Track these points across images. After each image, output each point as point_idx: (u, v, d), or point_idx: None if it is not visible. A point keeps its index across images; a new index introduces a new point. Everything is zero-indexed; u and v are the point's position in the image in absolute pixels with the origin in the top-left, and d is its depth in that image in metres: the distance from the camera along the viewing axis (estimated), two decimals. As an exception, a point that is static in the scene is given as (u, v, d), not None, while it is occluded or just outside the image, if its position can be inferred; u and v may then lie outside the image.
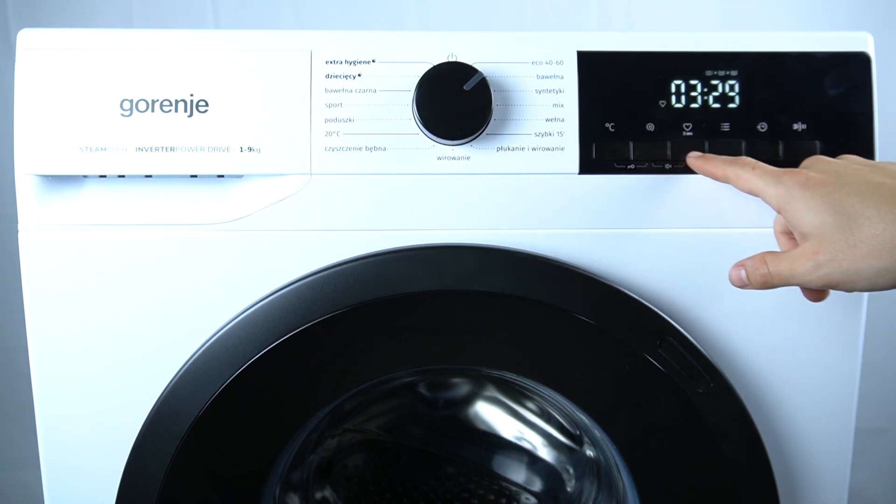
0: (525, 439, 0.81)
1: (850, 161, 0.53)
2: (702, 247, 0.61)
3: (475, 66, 0.57)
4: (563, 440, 0.79)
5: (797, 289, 0.60)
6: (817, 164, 0.53)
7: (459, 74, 0.57)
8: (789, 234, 0.56)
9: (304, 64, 0.58)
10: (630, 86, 0.60)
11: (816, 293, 0.55)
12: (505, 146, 0.59)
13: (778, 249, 0.56)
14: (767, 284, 0.51)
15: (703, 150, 0.59)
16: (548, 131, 0.59)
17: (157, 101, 0.58)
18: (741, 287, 0.53)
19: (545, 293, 0.59)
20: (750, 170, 0.53)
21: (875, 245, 0.46)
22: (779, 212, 0.52)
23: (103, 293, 0.59)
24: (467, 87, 0.57)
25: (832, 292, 0.55)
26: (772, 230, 0.59)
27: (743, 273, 0.52)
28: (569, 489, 0.79)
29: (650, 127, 0.59)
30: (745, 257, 0.53)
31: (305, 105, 0.58)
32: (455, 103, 0.57)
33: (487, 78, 0.57)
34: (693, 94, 0.60)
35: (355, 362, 0.61)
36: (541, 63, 0.59)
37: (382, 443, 0.82)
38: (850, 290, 0.49)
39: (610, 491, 0.72)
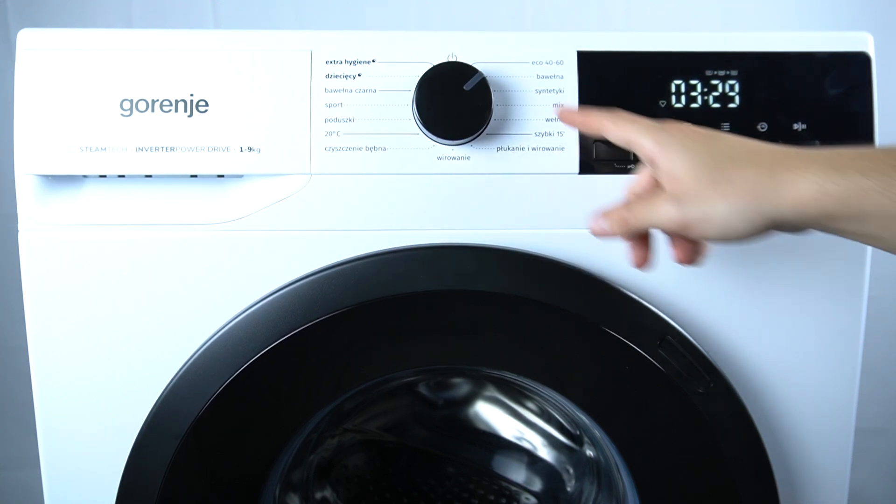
0: (525, 439, 0.81)
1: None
2: (702, 247, 0.60)
3: (475, 66, 0.57)
4: (563, 440, 0.79)
5: (797, 288, 0.60)
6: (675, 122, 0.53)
7: (459, 74, 0.57)
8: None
9: (304, 64, 0.58)
10: (630, 86, 0.60)
11: (686, 251, 0.52)
12: (505, 146, 0.59)
13: None
14: (626, 225, 0.51)
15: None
16: (548, 131, 0.59)
17: (157, 101, 0.58)
18: (601, 234, 0.52)
19: (545, 293, 0.59)
20: (627, 119, 0.52)
21: (738, 184, 0.46)
22: (651, 160, 0.50)
23: (103, 293, 0.59)
24: (467, 87, 0.57)
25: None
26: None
27: (603, 220, 0.52)
28: (569, 489, 0.79)
29: (650, 127, 0.59)
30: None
31: (305, 105, 0.58)
32: (455, 103, 0.57)
33: (487, 78, 0.57)
34: (693, 94, 0.60)
35: (355, 362, 0.61)
36: (541, 63, 0.59)
37: (382, 443, 0.82)
38: (704, 234, 0.48)
39: (610, 491, 0.72)
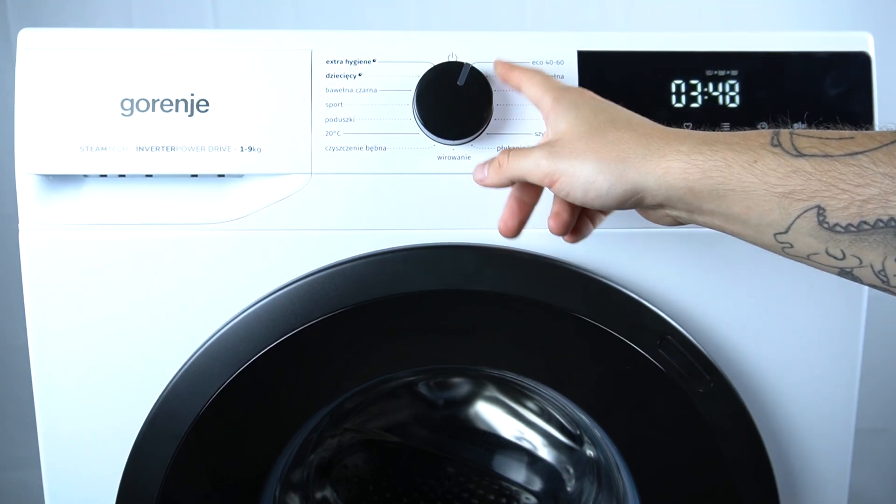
0: (525, 439, 0.81)
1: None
2: (702, 247, 0.61)
3: (475, 66, 0.57)
4: (563, 440, 0.79)
5: (797, 288, 0.60)
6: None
7: (459, 74, 0.57)
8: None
9: (305, 64, 0.58)
10: (630, 86, 0.60)
11: (560, 221, 0.52)
12: (505, 146, 0.59)
13: None
14: (502, 175, 0.52)
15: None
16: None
17: (158, 100, 0.58)
18: (479, 182, 0.54)
19: (545, 293, 0.59)
20: (539, 78, 0.54)
21: (610, 144, 0.47)
22: (546, 115, 0.52)
23: (103, 293, 0.59)
24: (460, 81, 0.57)
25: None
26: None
27: (486, 168, 0.53)
28: (569, 489, 0.79)
29: (650, 127, 0.59)
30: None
31: (306, 105, 0.58)
32: (455, 103, 0.57)
33: (487, 77, 0.57)
34: (693, 93, 0.60)
35: (355, 362, 0.61)
36: (541, 63, 0.59)
37: (382, 443, 0.82)
38: (568, 190, 0.48)
39: (610, 491, 0.72)
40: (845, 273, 0.42)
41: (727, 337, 0.62)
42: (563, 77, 0.59)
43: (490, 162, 0.53)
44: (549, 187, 0.49)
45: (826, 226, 0.40)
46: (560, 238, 0.60)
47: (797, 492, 0.64)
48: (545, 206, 0.60)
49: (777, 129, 0.43)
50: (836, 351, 0.63)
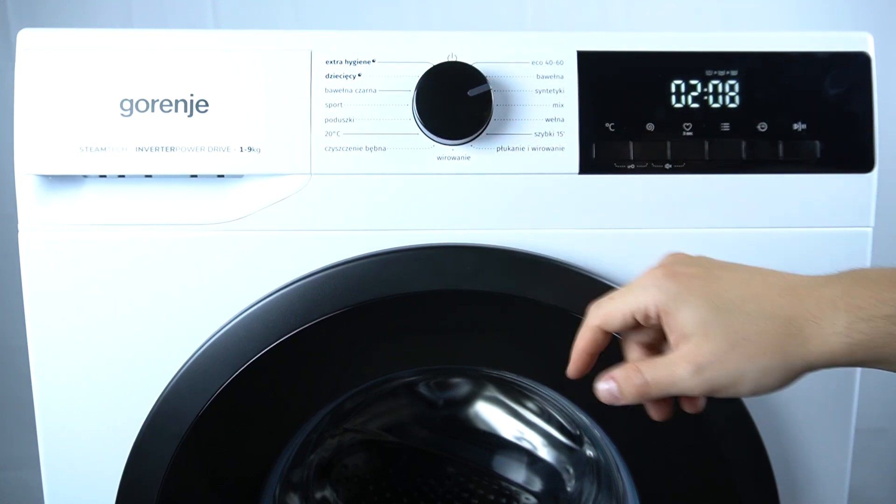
0: (525, 439, 0.81)
1: (702, 257, 0.48)
2: (702, 247, 0.60)
3: (475, 66, 0.57)
4: (563, 440, 0.79)
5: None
6: (678, 261, 0.47)
7: (459, 74, 0.57)
8: (644, 346, 0.49)
9: (304, 64, 0.58)
10: (630, 86, 0.60)
11: (694, 401, 0.48)
12: (505, 146, 0.59)
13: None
14: (644, 396, 0.45)
15: (702, 150, 0.59)
16: (548, 131, 0.59)
17: (157, 101, 0.58)
18: (612, 402, 0.46)
19: (545, 293, 0.59)
20: (611, 303, 0.47)
21: (759, 342, 0.42)
22: (657, 316, 0.45)
23: (103, 293, 0.59)
24: (472, 93, 0.57)
25: None
26: (770, 230, 0.59)
27: (614, 386, 0.46)
28: (569, 489, 0.79)
29: (650, 127, 0.59)
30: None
31: (305, 105, 0.58)
32: (455, 103, 0.57)
33: (487, 78, 0.57)
34: (693, 94, 0.60)
35: (355, 362, 0.61)
36: (541, 63, 0.59)
37: (382, 443, 0.82)
38: (734, 395, 0.44)
39: (610, 491, 0.72)
40: None
41: (727, 337, 0.62)
42: (562, 77, 0.59)
43: (623, 382, 0.46)
44: (710, 396, 0.45)
45: None
46: (560, 238, 0.60)
47: (797, 492, 0.64)
48: (549, 208, 0.60)
49: None
50: (836, 351, 0.63)
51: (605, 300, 0.48)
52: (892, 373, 0.43)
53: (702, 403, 0.48)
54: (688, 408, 0.48)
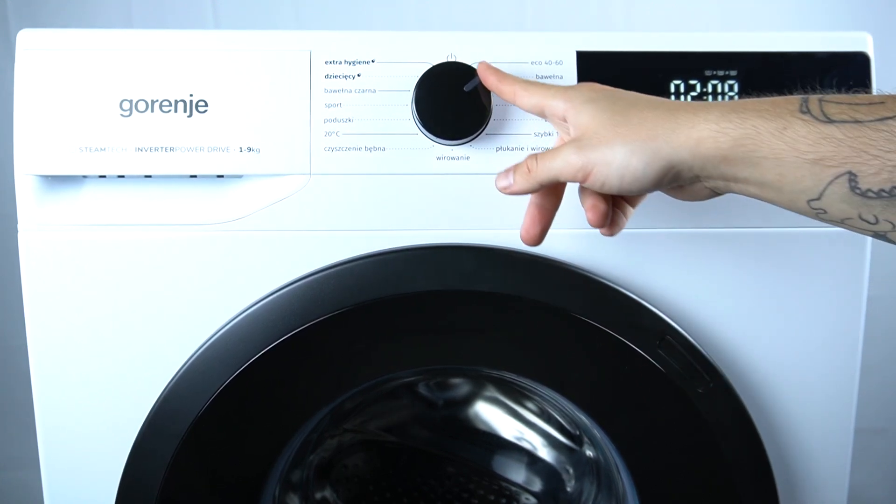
0: (525, 439, 0.81)
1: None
2: (702, 247, 0.61)
3: (475, 66, 0.57)
4: (563, 440, 0.79)
5: (797, 288, 0.60)
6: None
7: (459, 75, 0.57)
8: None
9: (304, 64, 0.58)
10: (630, 86, 0.59)
11: (598, 213, 0.52)
12: (504, 146, 0.59)
13: None
14: (530, 176, 0.51)
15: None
16: (547, 131, 0.59)
17: (157, 101, 0.58)
18: (504, 189, 0.52)
19: (545, 293, 0.59)
20: (538, 85, 0.54)
21: (637, 125, 0.46)
22: (563, 117, 0.51)
23: (103, 293, 0.59)
24: (467, 88, 0.57)
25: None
26: (770, 230, 0.59)
27: (511, 174, 0.52)
28: (569, 489, 0.79)
29: (650, 127, 0.59)
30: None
31: (305, 105, 0.58)
32: (454, 103, 0.57)
33: (487, 78, 0.57)
34: (693, 94, 0.60)
35: (355, 362, 0.61)
36: (541, 63, 0.59)
37: (382, 443, 0.82)
38: (604, 180, 0.48)
39: (610, 491, 0.72)
40: (879, 236, 0.43)
41: (727, 337, 0.62)
42: (562, 78, 0.59)
43: (516, 168, 0.52)
44: (583, 182, 0.49)
45: (858, 192, 0.41)
46: (560, 238, 0.60)
47: (797, 492, 0.64)
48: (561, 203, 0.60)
49: (806, 96, 0.43)
50: (836, 351, 0.63)
51: (526, 82, 0.55)
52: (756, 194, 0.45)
53: (613, 223, 0.53)
54: (591, 216, 0.51)
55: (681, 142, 0.45)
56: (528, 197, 0.54)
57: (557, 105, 0.51)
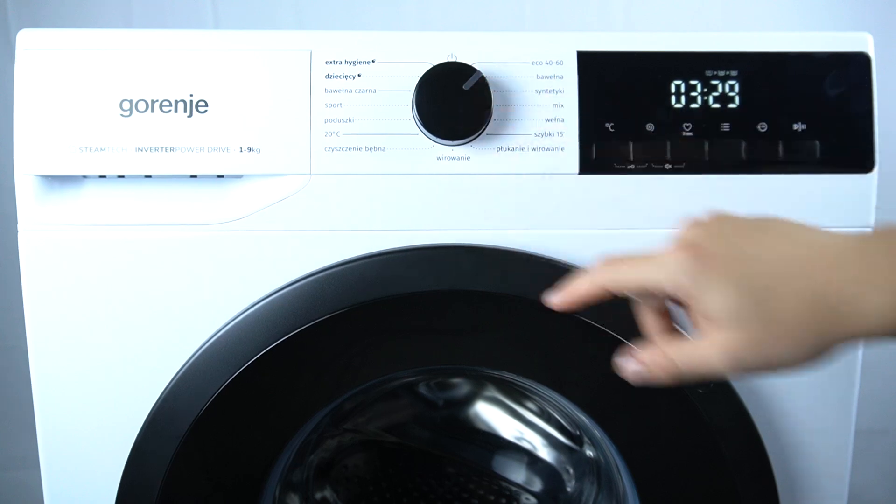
0: (525, 439, 0.81)
1: (733, 223, 0.45)
2: (702, 247, 0.60)
3: (475, 66, 0.57)
4: (563, 440, 0.79)
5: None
6: (704, 235, 0.44)
7: (459, 74, 0.57)
8: (661, 313, 0.48)
9: (304, 64, 0.58)
10: (630, 86, 0.60)
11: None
12: (505, 146, 0.59)
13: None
14: (675, 379, 0.44)
15: (702, 150, 0.59)
16: (548, 131, 0.59)
17: (157, 101, 0.58)
18: (638, 381, 0.46)
19: (545, 293, 0.59)
20: (624, 268, 0.46)
21: (793, 324, 0.40)
22: (680, 300, 0.44)
23: (103, 293, 0.59)
24: (466, 86, 0.57)
25: None
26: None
27: (643, 369, 0.45)
28: (569, 489, 0.79)
29: (650, 127, 0.59)
30: (644, 354, 0.46)
31: (305, 105, 0.58)
32: (455, 103, 0.57)
33: (487, 78, 0.57)
34: (693, 94, 0.60)
35: (355, 362, 0.61)
36: (541, 63, 0.59)
37: (382, 443, 0.82)
38: (769, 374, 0.43)
39: (610, 491, 0.72)
40: None
41: (727, 337, 0.61)
42: (562, 77, 0.59)
43: (653, 366, 0.45)
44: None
45: None
46: (560, 238, 0.60)
47: (797, 492, 0.64)
48: (549, 208, 0.60)
49: None
50: (835, 351, 0.63)
51: (619, 262, 0.46)
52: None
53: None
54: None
55: (854, 331, 0.39)
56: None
57: (669, 289, 0.43)
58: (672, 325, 0.48)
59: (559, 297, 0.49)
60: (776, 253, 0.42)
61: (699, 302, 0.42)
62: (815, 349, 0.41)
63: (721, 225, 0.45)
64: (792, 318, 0.40)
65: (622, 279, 0.46)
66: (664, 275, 0.43)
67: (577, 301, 0.48)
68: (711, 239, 0.43)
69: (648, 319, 0.48)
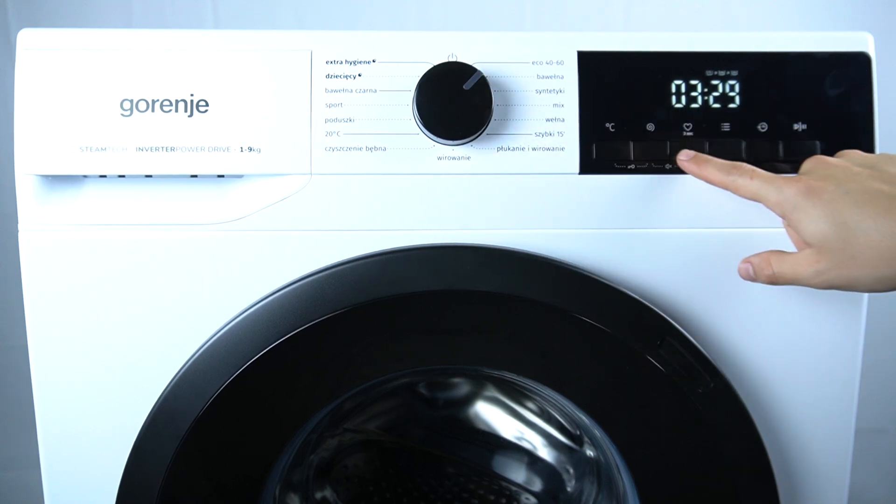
0: (525, 439, 0.81)
1: (851, 161, 0.54)
2: (702, 247, 0.61)
3: (475, 66, 0.57)
4: (563, 440, 0.79)
5: (797, 288, 0.60)
6: (817, 169, 0.54)
7: (459, 74, 0.57)
8: None
9: (305, 64, 0.58)
10: (630, 86, 0.60)
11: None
12: (505, 146, 0.59)
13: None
14: (773, 283, 0.55)
15: (702, 150, 0.59)
16: (548, 131, 0.59)
17: (158, 101, 0.58)
18: (749, 280, 0.57)
19: (545, 293, 0.59)
20: (748, 178, 0.55)
21: (872, 255, 0.48)
22: (782, 218, 0.54)
23: (103, 293, 0.59)
24: (466, 86, 0.57)
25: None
26: (771, 230, 0.59)
27: (750, 269, 0.56)
28: (569, 489, 0.79)
29: (650, 127, 0.59)
30: (749, 255, 0.57)
31: (305, 105, 0.58)
32: (455, 103, 0.57)
33: (487, 78, 0.57)
34: (693, 94, 0.60)
35: (355, 362, 0.61)
36: (541, 63, 0.59)
37: (382, 443, 0.82)
38: (852, 291, 0.52)
39: (610, 491, 0.72)
40: None
41: (727, 337, 0.62)
42: (562, 77, 0.59)
43: (757, 268, 0.56)
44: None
45: None
46: (560, 238, 0.60)
47: (797, 492, 0.64)
48: (549, 208, 0.60)
49: None
50: (836, 351, 0.63)
51: (750, 171, 0.55)
52: None
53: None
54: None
55: None
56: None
57: (773, 207, 0.53)
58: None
59: (693, 161, 0.58)
60: (871, 193, 0.50)
61: (798, 226, 0.52)
62: (891, 279, 0.49)
63: (838, 165, 0.54)
64: (875, 253, 0.48)
65: (743, 186, 0.55)
66: (776, 197, 0.53)
67: (702, 177, 0.57)
68: (824, 177, 0.52)
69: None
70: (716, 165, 0.57)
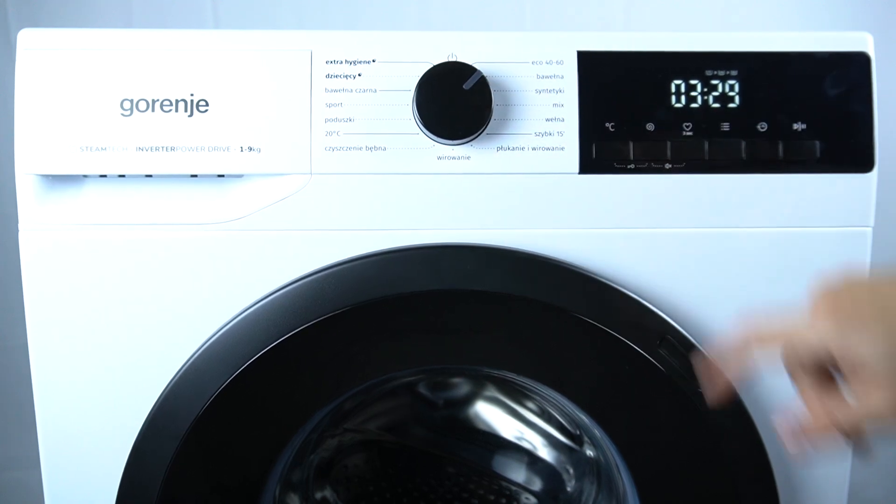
0: (525, 439, 0.81)
1: (866, 285, 0.47)
2: (702, 247, 0.61)
3: (475, 66, 0.57)
4: (563, 440, 0.79)
5: (798, 288, 0.60)
6: (842, 299, 0.46)
7: (459, 74, 0.57)
8: (811, 369, 0.48)
9: (305, 64, 0.58)
10: (630, 86, 0.60)
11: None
12: (505, 146, 0.59)
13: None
14: (846, 434, 0.47)
15: (702, 150, 0.59)
16: (548, 131, 0.59)
17: (158, 100, 0.58)
18: (799, 450, 0.48)
19: (545, 293, 0.59)
20: (770, 324, 0.47)
21: None
22: (832, 352, 0.45)
23: (103, 293, 0.59)
24: (466, 85, 0.57)
25: None
26: (770, 230, 0.59)
27: (810, 440, 0.47)
28: (569, 489, 0.79)
29: (650, 127, 0.59)
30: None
31: (306, 105, 0.58)
32: (455, 103, 0.57)
33: (487, 78, 0.57)
34: (693, 94, 0.60)
35: (355, 362, 0.61)
36: (541, 63, 0.59)
37: (382, 443, 0.82)
38: None
39: (610, 491, 0.72)
40: None
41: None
42: (562, 77, 0.59)
43: (818, 429, 0.47)
44: None
45: None
46: (560, 238, 0.60)
47: (797, 492, 0.64)
48: (549, 208, 0.60)
49: None
50: (836, 351, 0.63)
51: (765, 321, 0.47)
52: None
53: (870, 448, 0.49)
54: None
55: None
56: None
57: (821, 342, 0.45)
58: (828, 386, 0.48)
59: (716, 394, 0.51)
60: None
61: (850, 352, 0.43)
62: None
63: (854, 288, 0.46)
64: None
65: (768, 332, 0.47)
66: (812, 332, 0.44)
67: (730, 384, 0.50)
68: (851, 301, 0.44)
69: (803, 384, 0.48)
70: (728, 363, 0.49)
